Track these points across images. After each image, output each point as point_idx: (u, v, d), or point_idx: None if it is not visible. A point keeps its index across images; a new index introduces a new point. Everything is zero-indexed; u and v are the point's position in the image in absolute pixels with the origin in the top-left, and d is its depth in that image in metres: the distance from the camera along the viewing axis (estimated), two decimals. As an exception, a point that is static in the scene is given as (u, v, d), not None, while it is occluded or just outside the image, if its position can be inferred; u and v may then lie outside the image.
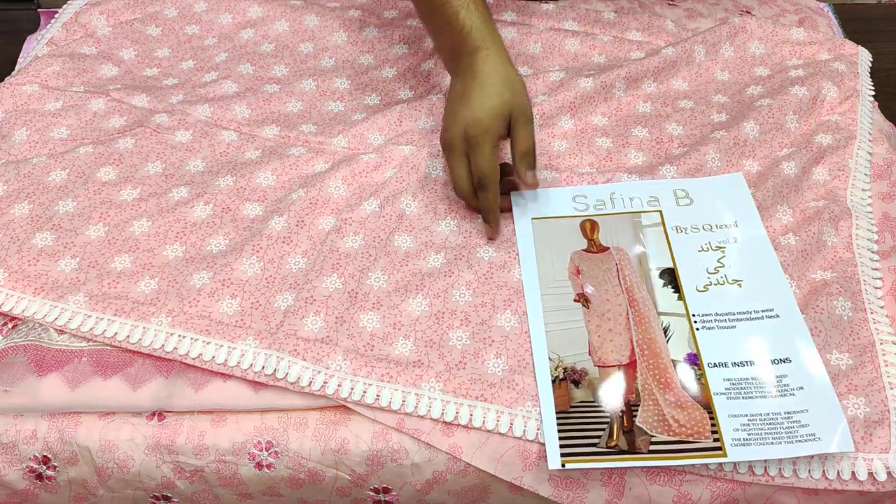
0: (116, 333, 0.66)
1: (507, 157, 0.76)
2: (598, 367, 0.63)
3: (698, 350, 0.64)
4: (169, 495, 0.65)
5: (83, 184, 0.77)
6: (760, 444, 0.58)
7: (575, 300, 0.68)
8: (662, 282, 0.69)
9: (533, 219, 0.74)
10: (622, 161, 0.80)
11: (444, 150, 0.73)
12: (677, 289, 0.68)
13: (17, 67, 0.95)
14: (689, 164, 0.78)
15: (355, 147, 0.82)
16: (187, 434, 0.63)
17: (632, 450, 0.58)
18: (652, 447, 0.58)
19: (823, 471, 0.58)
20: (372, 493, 0.64)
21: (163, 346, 0.65)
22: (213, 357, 0.64)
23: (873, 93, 0.87)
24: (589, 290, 0.68)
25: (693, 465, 0.59)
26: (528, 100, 0.73)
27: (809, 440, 0.58)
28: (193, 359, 0.64)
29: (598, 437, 0.59)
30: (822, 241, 0.71)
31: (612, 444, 0.59)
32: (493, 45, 0.72)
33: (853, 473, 0.58)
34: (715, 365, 0.63)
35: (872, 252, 0.71)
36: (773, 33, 0.92)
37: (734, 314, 0.66)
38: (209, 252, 0.72)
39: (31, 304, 0.68)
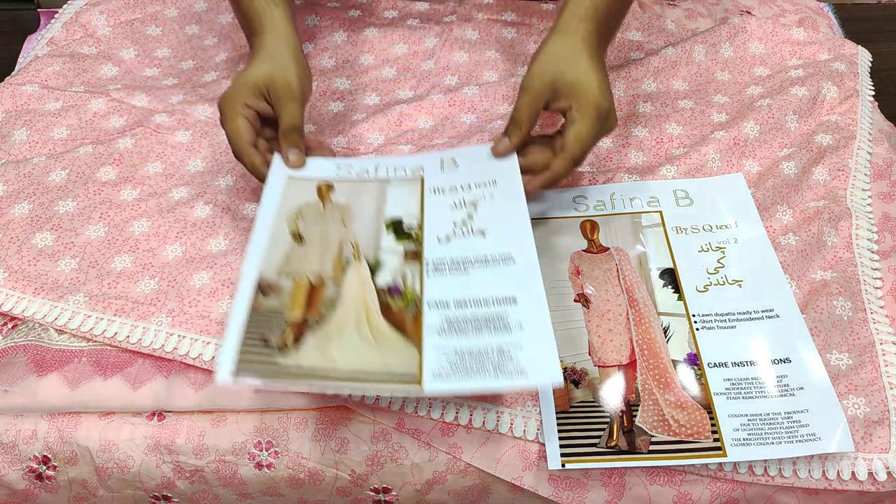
0: (116, 333, 0.66)
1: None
2: (598, 367, 0.63)
3: (698, 350, 0.64)
4: (169, 495, 0.65)
5: (83, 184, 0.77)
6: (760, 443, 0.58)
7: (575, 300, 0.68)
8: (662, 282, 0.69)
9: (533, 219, 0.74)
10: (622, 161, 0.80)
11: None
12: (677, 289, 0.68)
13: (17, 67, 0.95)
14: (689, 165, 0.78)
15: (355, 147, 0.82)
16: (187, 434, 0.63)
17: (632, 450, 0.58)
18: (652, 447, 0.58)
19: (823, 471, 0.58)
20: (372, 493, 0.64)
21: (163, 346, 0.65)
22: (214, 357, 0.64)
23: (873, 93, 0.87)
24: (589, 290, 0.68)
25: (693, 465, 0.59)
26: (301, 79, 0.70)
27: (809, 440, 0.58)
28: (193, 359, 0.64)
29: (598, 437, 0.59)
30: (822, 241, 0.71)
31: (612, 444, 0.59)
32: (270, 26, 0.72)
33: (853, 473, 0.58)
34: (715, 365, 0.63)
35: (872, 252, 0.71)
36: (773, 33, 0.92)
37: (734, 314, 0.66)
38: (209, 252, 0.72)
39: (31, 304, 0.68)
